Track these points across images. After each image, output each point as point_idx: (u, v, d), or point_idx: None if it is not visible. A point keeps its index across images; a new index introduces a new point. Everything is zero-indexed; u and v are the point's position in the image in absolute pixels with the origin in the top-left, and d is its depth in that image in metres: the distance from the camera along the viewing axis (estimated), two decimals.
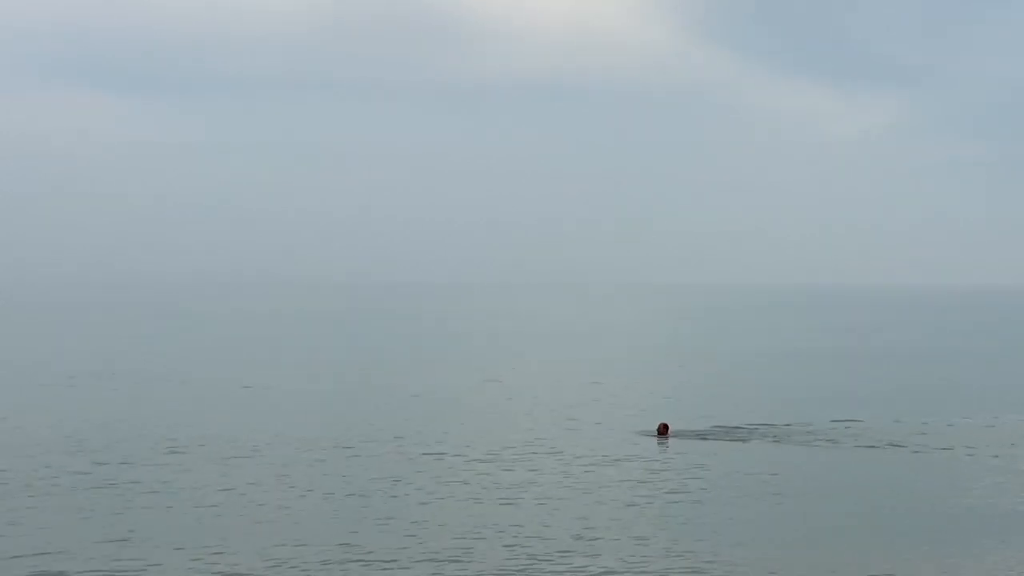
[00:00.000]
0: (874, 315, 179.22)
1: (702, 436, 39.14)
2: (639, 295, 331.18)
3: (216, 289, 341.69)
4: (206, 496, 28.39)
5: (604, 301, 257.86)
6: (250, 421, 42.62)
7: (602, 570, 22.47)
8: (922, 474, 33.25)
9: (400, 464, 33.45)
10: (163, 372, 62.44)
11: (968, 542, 25.00)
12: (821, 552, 24.03)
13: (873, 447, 37.23)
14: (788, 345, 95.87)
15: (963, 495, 29.99)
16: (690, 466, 33.57)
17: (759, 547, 24.27)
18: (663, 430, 38.86)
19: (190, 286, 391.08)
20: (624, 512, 27.25)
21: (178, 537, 24.10)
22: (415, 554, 23.23)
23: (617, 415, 45.31)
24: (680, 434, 39.08)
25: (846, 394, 54.23)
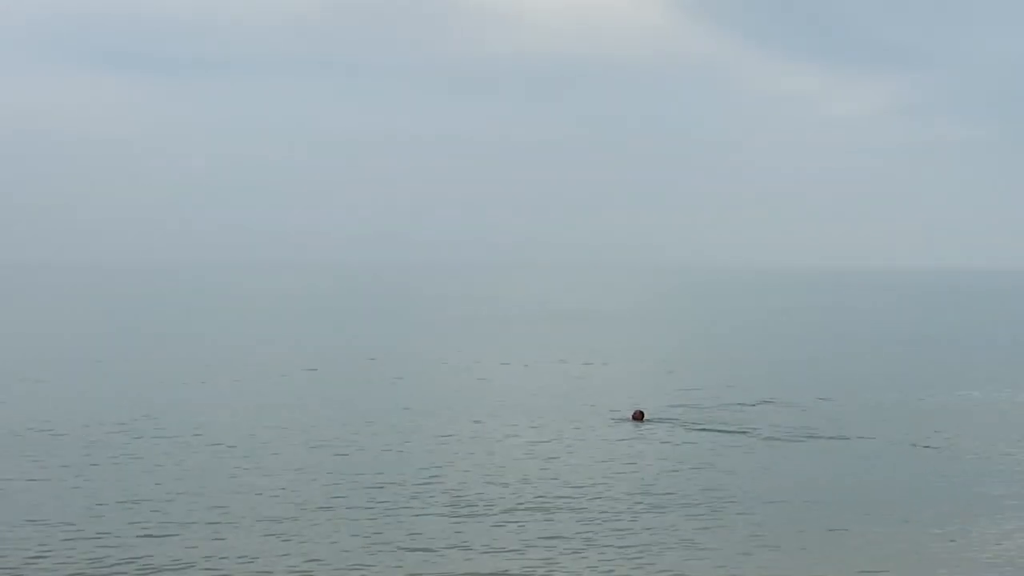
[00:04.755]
0: (873, 298, 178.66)
1: (680, 423, 38.75)
2: (633, 278, 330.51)
3: (211, 275, 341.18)
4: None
5: (598, 283, 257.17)
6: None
7: (563, 552, 22.28)
8: (914, 463, 32.87)
9: (365, 440, 33.25)
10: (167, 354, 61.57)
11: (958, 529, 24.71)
12: (790, 543, 23.73)
13: (863, 438, 36.71)
14: (782, 329, 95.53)
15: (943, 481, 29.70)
16: (660, 454, 33.37)
17: (721, 535, 24.01)
18: (638, 417, 38.53)
19: (187, 271, 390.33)
20: (588, 499, 27.00)
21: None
22: (375, 542, 22.99)
23: (593, 399, 45.03)
24: (656, 421, 38.80)
25: (836, 381, 53.92)
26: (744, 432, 37.27)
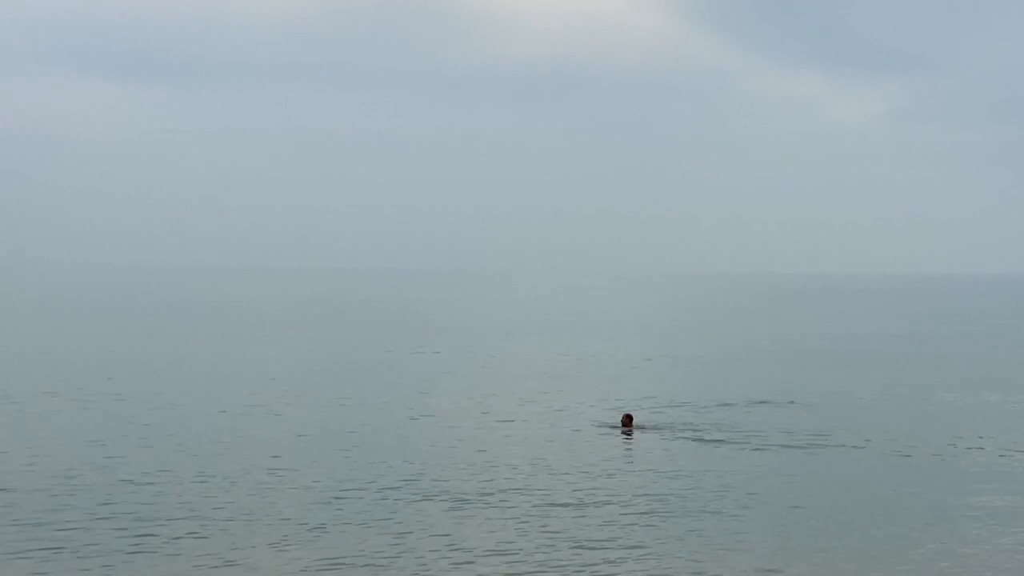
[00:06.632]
0: (870, 303, 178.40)
1: (669, 428, 38.08)
2: (634, 283, 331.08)
3: (212, 277, 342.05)
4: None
5: (598, 289, 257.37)
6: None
7: (561, 559, 21.84)
8: (905, 473, 31.98)
9: (340, 451, 32.67)
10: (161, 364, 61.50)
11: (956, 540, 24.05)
12: (781, 550, 23.04)
13: (855, 446, 35.73)
14: (778, 336, 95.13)
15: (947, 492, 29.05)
16: (650, 459, 32.73)
17: (706, 547, 23.32)
18: (627, 421, 37.94)
19: (187, 275, 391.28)
20: (581, 503, 26.39)
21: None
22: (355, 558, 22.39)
23: (582, 405, 44.47)
24: (645, 426, 38.20)
25: (831, 385, 53.37)
26: (734, 437, 36.55)
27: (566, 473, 30.25)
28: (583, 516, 25.35)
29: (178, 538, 22.95)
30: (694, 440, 35.97)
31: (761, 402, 45.43)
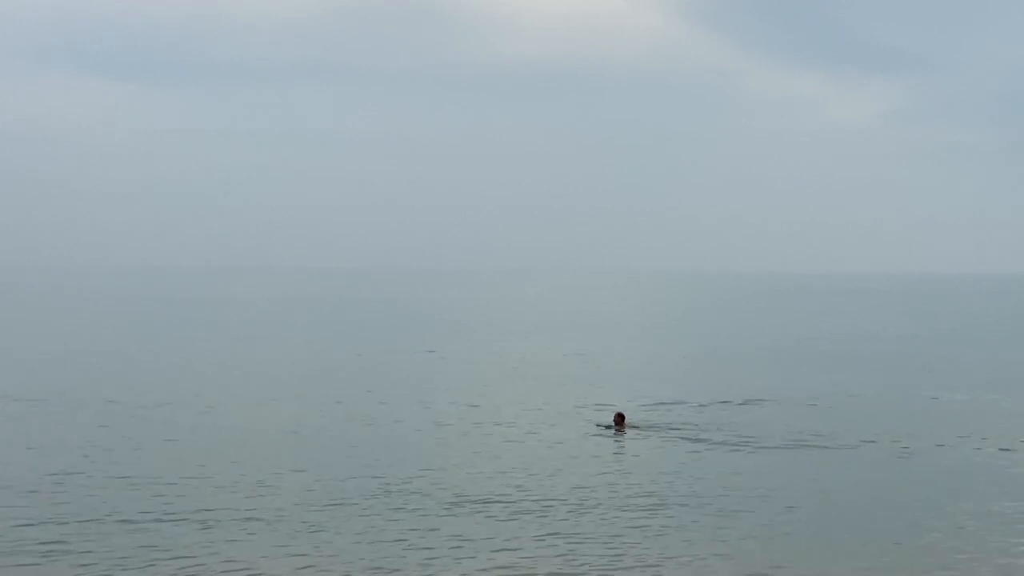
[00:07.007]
0: (869, 302, 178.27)
1: (668, 428, 38.04)
2: (634, 283, 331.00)
3: (212, 277, 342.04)
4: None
5: (598, 289, 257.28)
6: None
7: (558, 555, 21.87)
8: (904, 475, 32.02)
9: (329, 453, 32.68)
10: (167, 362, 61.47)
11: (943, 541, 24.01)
12: (779, 559, 23.04)
13: (855, 446, 35.71)
14: (778, 335, 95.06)
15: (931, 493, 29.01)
16: (645, 459, 32.73)
17: (693, 549, 23.33)
18: (619, 420, 37.90)
19: (187, 274, 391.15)
20: (573, 502, 26.34)
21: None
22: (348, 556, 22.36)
23: (582, 405, 44.37)
24: (638, 425, 38.19)
25: (827, 385, 53.26)
26: (734, 437, 36.46)
27: (565, 472, 30.23)
28: (582, 515, 25.34)
29: (178, 538, 23.01)
30: (693, 440, 35.89)
31: (761, 402, 45.42)
